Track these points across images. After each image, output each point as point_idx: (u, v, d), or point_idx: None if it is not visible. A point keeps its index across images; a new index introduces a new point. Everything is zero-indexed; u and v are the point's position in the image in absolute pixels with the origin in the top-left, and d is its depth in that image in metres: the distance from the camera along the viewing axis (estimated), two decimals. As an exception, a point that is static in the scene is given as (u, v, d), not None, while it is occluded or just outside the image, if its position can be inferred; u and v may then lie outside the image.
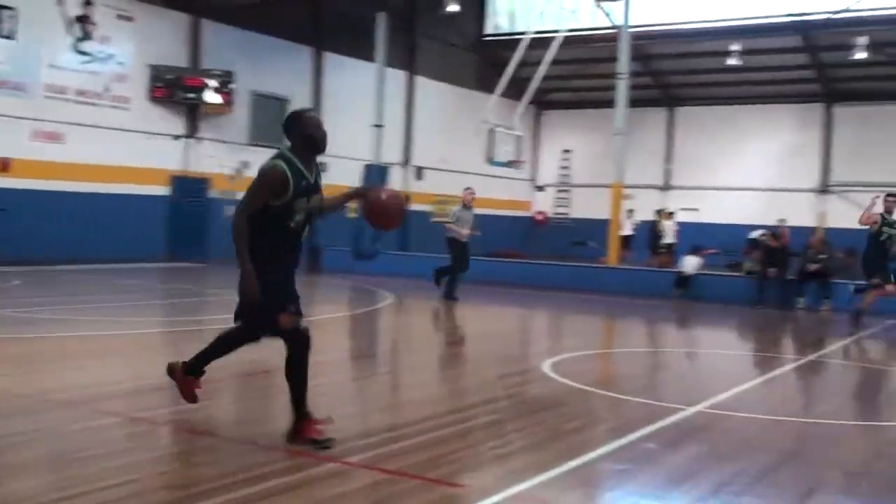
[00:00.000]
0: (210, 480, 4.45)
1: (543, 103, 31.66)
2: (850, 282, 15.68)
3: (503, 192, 29.68)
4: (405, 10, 26.19)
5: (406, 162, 27.47)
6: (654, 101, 30.15)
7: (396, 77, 25.56)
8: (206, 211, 21.51)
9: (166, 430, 5.62)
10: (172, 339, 10.08)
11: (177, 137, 21.30)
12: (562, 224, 32.45)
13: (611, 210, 20.51)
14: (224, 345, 5.37)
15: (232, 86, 21.36)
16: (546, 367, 8.44)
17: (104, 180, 19.42)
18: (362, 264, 19.96)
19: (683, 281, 17.12)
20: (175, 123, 21.27)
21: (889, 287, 13.22)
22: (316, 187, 5.08)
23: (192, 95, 20.94)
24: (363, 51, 23.19)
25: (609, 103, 21.34)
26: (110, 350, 8.71)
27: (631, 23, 21.06)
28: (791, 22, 25.11)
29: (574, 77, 29.27)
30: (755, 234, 21.15)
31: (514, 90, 22.85)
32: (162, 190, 20.95)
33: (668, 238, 23.65)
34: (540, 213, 33.31)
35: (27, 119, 18.04)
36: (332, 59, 24.86)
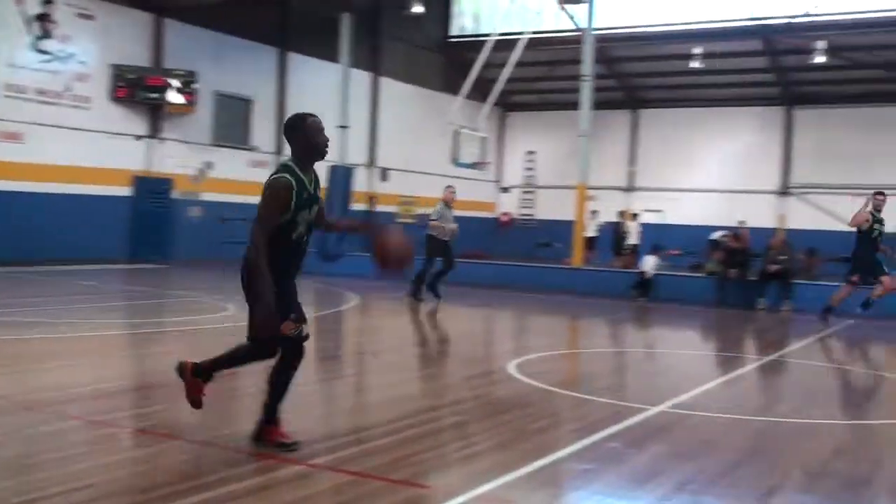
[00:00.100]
0: (172, 484, 4.41)
1: (508, 105, 31.76)
2: (811, 282, 15.86)
3: (468, 194, 29.33)
4: (370, 11, 26.11)
5: (371, 163, 27.40)
6: (618, 103, 30.35)
7: (361, 78, 25.50)
8: (169, 212, 21.34)
9: (128, 433, 5.56)
10: (134, 341, 9.92)
11: (139, 138, 21.06)
12: (527, 225, 32.59)
13: (575, 211, 20.62)
14: (233, 359, 5.19)
15: (195, 86, 21.19)
16: (511, 367, 8.47)
17: (65, 181, 19.16)
18: (327, 266, 19.87)
19: (643, 284, 17.20)
20: (137, 123, 21.03)
21: (886, 280, 13.38)
22: (316, 198, 5.00)
23: (154, 95, 20.73)
24: (328, 51, 23.10)
25: (573, 105, 21.44)
26: (72, 352, 8.56)
27: (595, 25, 21.19)
28: (752, 26, 25.47)
29: (539, 79, 29.43)
30: (716, 236, 21.38)
31: (479, 92, 22.92)
32: (124, 190, 20.70)
33: (632, 239, 23.84)
34: (505, 214, 33.43)
35: (-16, 118, 17.78)
36: (296, 60, 24.73)
